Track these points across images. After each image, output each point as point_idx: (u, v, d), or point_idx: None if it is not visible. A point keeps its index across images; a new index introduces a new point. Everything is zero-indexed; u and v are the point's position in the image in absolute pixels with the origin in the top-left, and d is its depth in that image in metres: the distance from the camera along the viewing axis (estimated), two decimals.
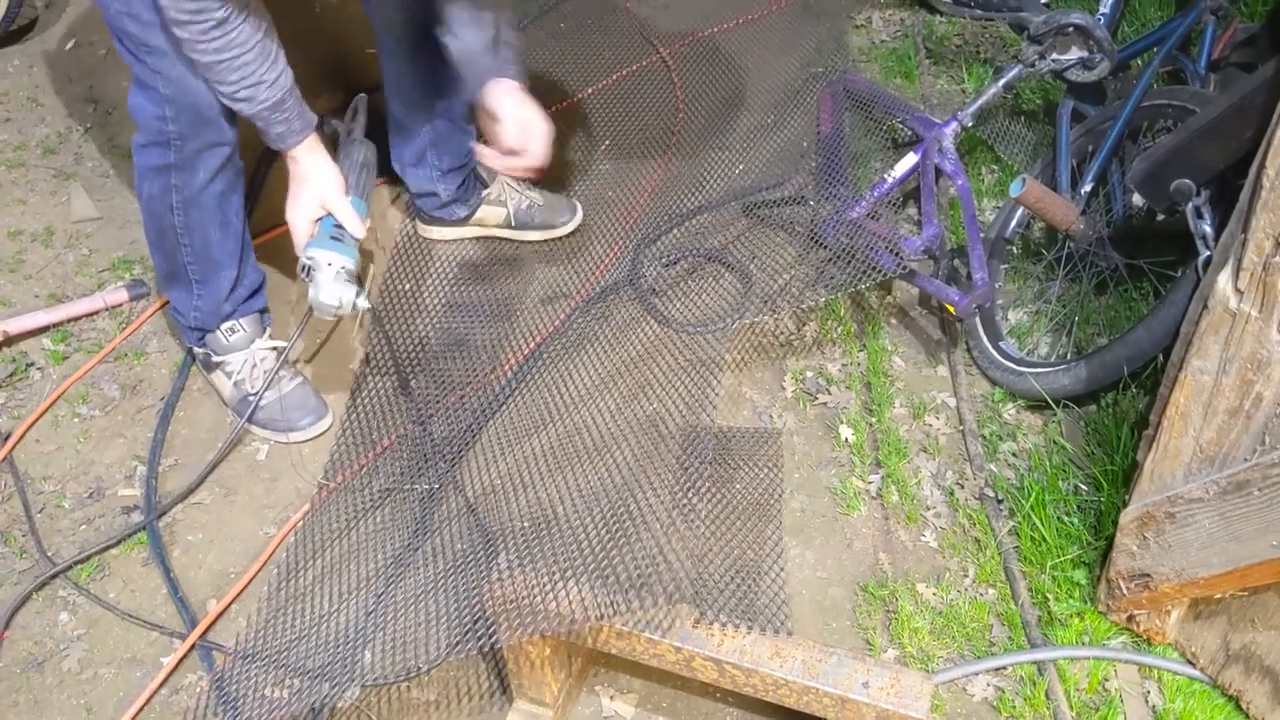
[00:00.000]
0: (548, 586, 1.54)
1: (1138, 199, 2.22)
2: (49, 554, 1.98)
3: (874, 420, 2.22)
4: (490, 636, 1.57)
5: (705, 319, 2.32)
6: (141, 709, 1.76)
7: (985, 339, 2.33)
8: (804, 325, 2.43)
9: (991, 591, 1.93)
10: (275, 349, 2.21)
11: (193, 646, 1.84)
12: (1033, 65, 2.41)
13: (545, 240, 2.58)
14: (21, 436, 2.17)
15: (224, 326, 2.15)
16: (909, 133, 2.68)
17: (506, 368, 2.25)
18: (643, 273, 2.44)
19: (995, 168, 2.83)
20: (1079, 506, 2.00)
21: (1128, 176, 2.20)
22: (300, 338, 2.30)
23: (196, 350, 2.22)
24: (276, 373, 2.17)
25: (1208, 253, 1.94)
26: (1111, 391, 2.13)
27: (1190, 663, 1.80)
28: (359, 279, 1.93)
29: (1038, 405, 2.23)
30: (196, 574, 1.97)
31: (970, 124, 2.43)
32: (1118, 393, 2.12)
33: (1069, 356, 2.28)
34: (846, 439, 2.19)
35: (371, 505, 1.99)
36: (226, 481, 2.12)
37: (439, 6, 1.96)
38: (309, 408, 2.18)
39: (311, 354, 2.35)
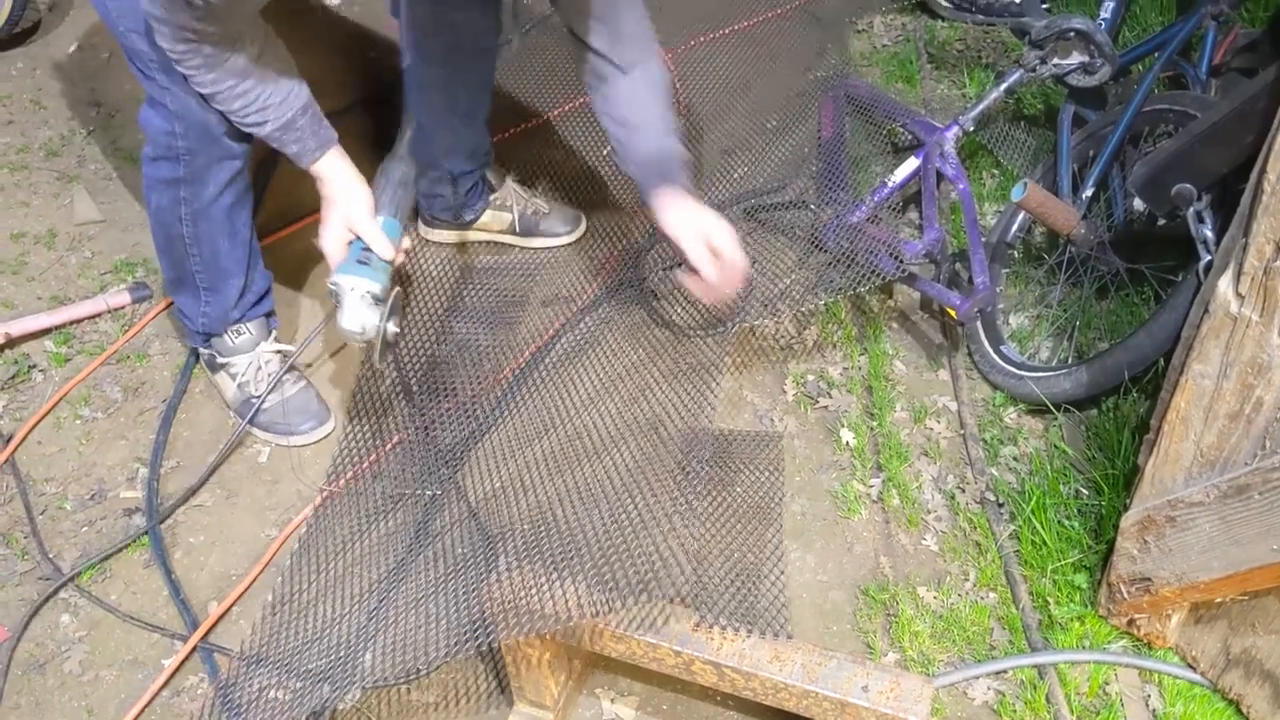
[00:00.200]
0: (545, 586, 1.54)
1: (1139, 204, 2.22)
2: (51, 556, 1.98)
3: (875, 424, 2.23)
4: (489, 637, 1.57)
5: (706, 322, 2.32)
6: (143, 711, 1.76)
7: (986, 343, 2.33)
8: (805, 329, 2.43)
9: (992, 595, 1.93)
10: (280, 352, 2.21)
11: (194, 648, 1.84)
12: (1034, 70, 2.41)
13: (548, 248, 2.59)
14: (23, 438, 2.17)
15: (230, 329, 2.16)
16: (910, 137, 2.68)
17: (509, 372, 2.25)
18: (644, 276, 2.44)
19: (996, 172, 2.83)
20: (1080, 510, 2.00)
21: (1129, 181, 2.20)
22: (305, 343, 2.30)
23: (202, 351, 2.22)
24: (280, 377, 2.17)
25: (1208, 257, 1.94)
26: (1112, 396, 2.13)
27: (1191, 667, 1.80)
28: (390, 303, 1.83)
29: (1039, 409, 2.23)
30: (198, 576, 1.97)
31: (971, 128, 2.44)
32: (1119, 397, 2.12)
33: (1070, 361, 2.28)
34: (847, 442, 2.19)
35: (374, 510, 1.99)
36: (228, 484, 2.12)
37: (609, 103, 1.96)
38: (311, 412, 2.18)
39: (316, 358, 2.35)
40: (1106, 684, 1.79)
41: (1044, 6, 3.27)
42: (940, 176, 2.41)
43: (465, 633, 1.62)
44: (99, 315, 2.43)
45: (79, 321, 2.41)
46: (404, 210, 1.92)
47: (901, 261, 2.24)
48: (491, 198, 2.54)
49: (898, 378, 2.35)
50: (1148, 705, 1.78)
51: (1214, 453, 1.56)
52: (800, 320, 2.43)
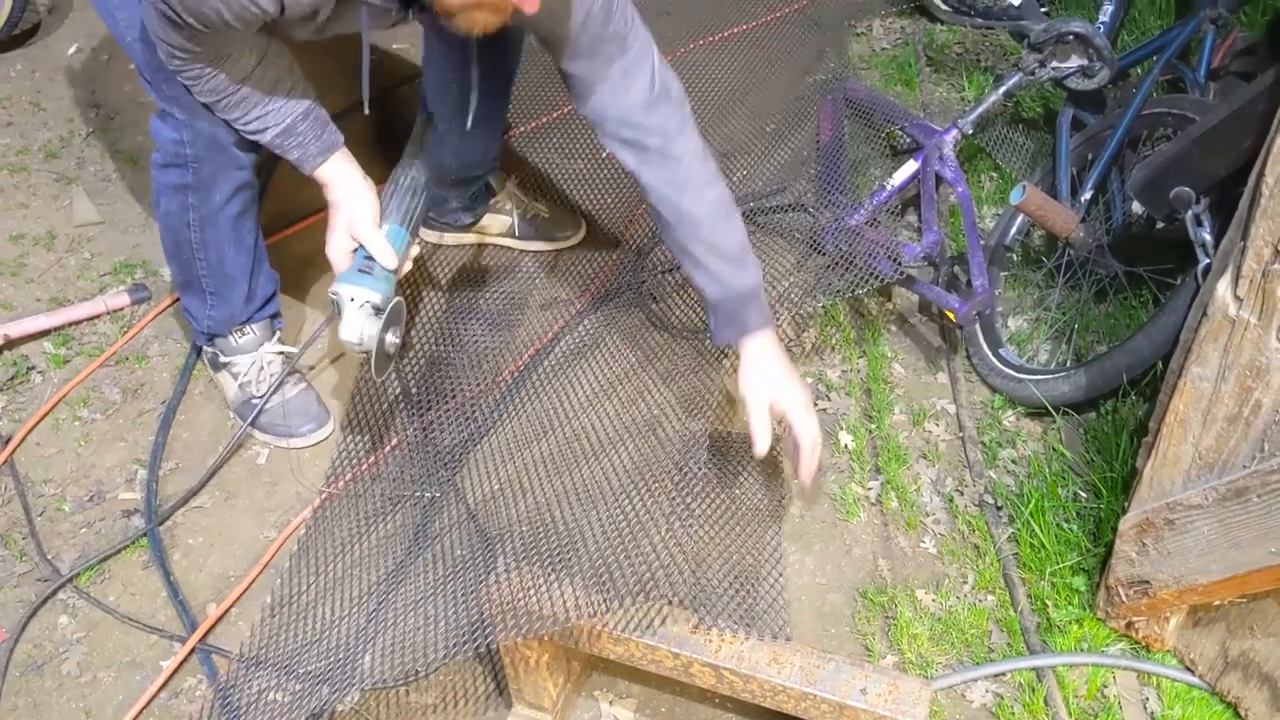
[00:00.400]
0: (544, 587, 1.54)
1: (1137, 207, 2.22)
2: (49, 558, 1.98)
3: (874, 426, 2.23)
4: (488, 638, 1.57)
5: (705, 325, 2.32)
6: (141, 712, 1.76)
7: (985, 346, 2.33)
8: (803, 331, 2.43)
9: (990, 598, 1.93)
10: (283, 353, 2.21)
11: (192, 650, 1.84)
12: (1033, 73, 2.42)
13: (547, 251, 2.59)
14: (22, 440, 2.17)
15: (234, 330, 2.16)
16: (909, 140, 2.69)
17: (508, 374, 2.25)
18: (643, 279, 2.44)
19: (995, 175, 2.84)
20: (1078, 513, 2.00)
21: (1127, 184, 2.20)
22: (305, 345, 2.30)
23: (205, 349, 2.23)
24: (281, 379, 2.18)
25: (1207, 260, 1.95)
26: (1111, 399, 2.14)
27: (1189, 669, 1.80)
28: (390, 314, 1.77)
29: (1037, 412, 2.23)
30: (196, 577, 1.97)
31: (970, 131, 2.44)
32: (1117, 400, 2.12)
33: (1069, 363, 2.28)
34: (846, 445, 2.19)
35: (373, 512, 1.99)
36: (227, 485, 2.12)
37: (684, 251, 1.82)
38: (311, 414, 2.19)
39: (317, 360, 2.35)
40: (1105, 686, 1.79)
41: (1043, 10, 3.27)
42: (939, 179, 2.41)
43: (464, 634, 1.62)
44: (98, 317, 2.43)
45: (78, 323, 2.41)
46: (413, 218, 1.84)
47: (900, 264, 2.24)
48: (491, 201, 2.54)
49: (896, 380, 2.35)
50: (1146, 708, 1.78)
51: (1212, 455, 1.56)
52: (799, 323, 2.43)
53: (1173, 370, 1.63)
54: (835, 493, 2.10)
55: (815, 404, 2.27)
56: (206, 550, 2.02)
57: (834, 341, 2.41)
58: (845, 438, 2.20)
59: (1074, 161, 2.47)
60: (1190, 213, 2.01)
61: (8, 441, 2.16)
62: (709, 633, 1.50)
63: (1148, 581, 1.72)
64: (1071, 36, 2.35)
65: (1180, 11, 3.12)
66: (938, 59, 3.31)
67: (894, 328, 2.47)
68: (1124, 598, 1.78)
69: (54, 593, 1.92)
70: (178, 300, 2.29)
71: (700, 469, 1.91)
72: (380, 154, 2.60)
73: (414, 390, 2.19)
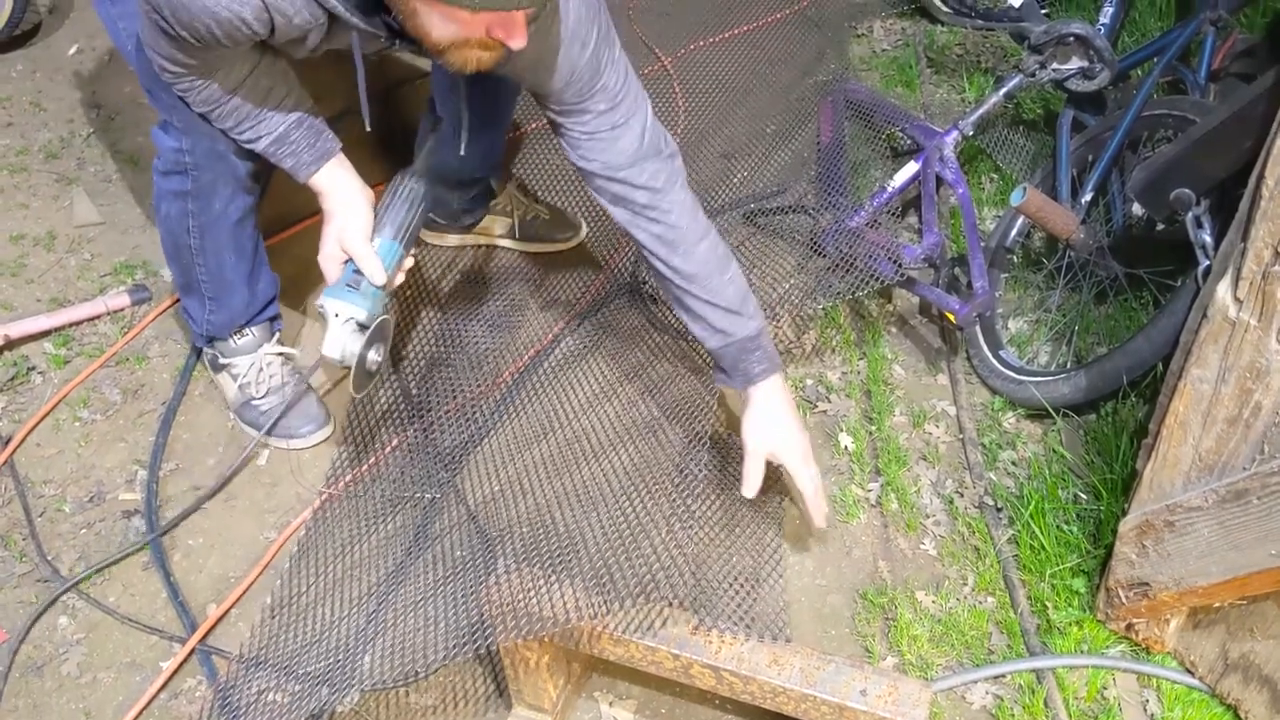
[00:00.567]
0: (544, 589, 1.54)
1: (1137, 208, 2.22)
2: (49, 558, 1.98)
3: (874, 428, 2.23)
4: (488, 640, 1.57)
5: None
6: (141, 713, 1.76)
7: (985, 347, 2.33)
8: (804, 333, 2.43)
9: (990, 600, 1.93)
10: (282, 354, 2.22)
11: (192, 651, 1.84)
12: (1033, 75, 2.42)
13: (547, 252, 2.59)
14: (22, 440, 2.17)
15: (234, 333, 2.16)
16: (909, 141, 2.69)
17: (508, 375, 2.25)
18: (643, 280, 2.44)
19: (995, 176, 2.84)
20: (1078, 515, 2.00)
21: (1128, 186, 2.20)
22: (305, 346, 2.31)
23: (204, 350, 2.23)
24: (281, 380, 2.18)
25: (1207, 262, 1.95)
26: (1111, 400, 2.14)
27: (1189, 671, 1.80)
28: (373, 331, 1.73)
29: (1037, 414, 2.23)
30: (196, 578, 1.97)
31: (971, 133, 2.44)
32: (1117, 401, 2.12)
33: (1069, 365, 2.28)
34: (846, 447, 2.19)
35: (373, 513, 1.99)
36: (227, 486, 2.12)
37: (680, 304, 1.84)
38: (311, 415, 2.19)
39: (317, 361, 2.35)
40: (1105, 688, 1.79)
41: (1043, 12, 3.27)
42: (939, 181, 2.41)
43: (464, 635, 1.62)
44: (98, 317, 2.43)
45: (78, 324, 2.41)
46: (408, 231, 1.79)
47: (900, 266, 2.24)
48: (492, 202, 2.54)
49: (896, 382, 2.35)
50: (1146, 710, 1.78)
51: (1212, 457, 1.56)
52: (799, 325, 2.43)
53: (1173, 372, 1.63)
54: (835, 494, 2.10)
55: (815, 406, 2.27)
56: (206, 551, 2.02)
57: (834, 343, 2.41)
58: (845, 439, 2.20)
59: (1074, 163, 2.47)
60: (1190, 214, 2.01)
61: (8, 442, 2.16)
62: (709, 634, 1.50)
63: (1148, 583, 1.72)
64: (1072, 38, 2.35)
65: (1180, 13, 3.12)
66: (938, 60, 3.31)
67: (894, 329, 2.47)
68: (1124, 599, 1.78)
69: (58, 597, 1.92)
70: (178, 301, 2.29)
71: (700, 471, 1.91)
72: (380, 155, 2.60)
73: (414, 391, 2.19)
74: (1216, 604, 1.67)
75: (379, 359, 1.77)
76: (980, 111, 2.43)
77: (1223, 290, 1.47)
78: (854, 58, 3.32)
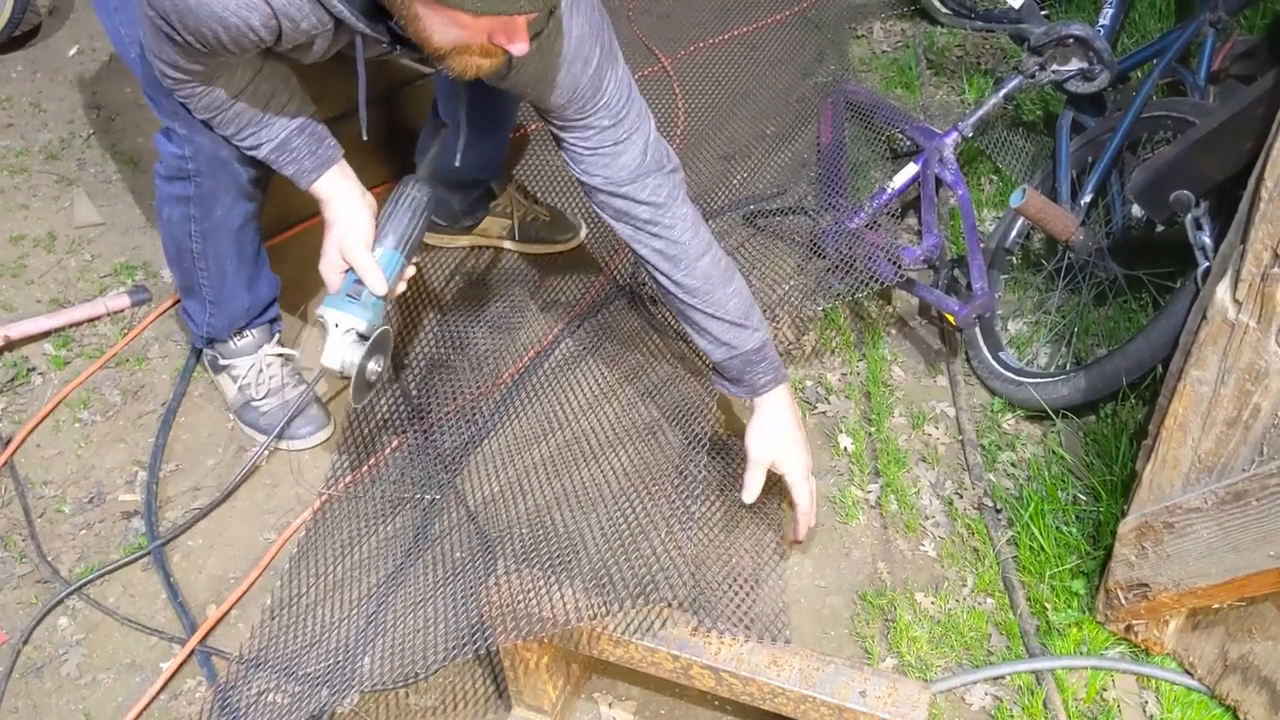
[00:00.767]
0: (544, 590, 1.54)
1: (1137, 210, 2.22)
2: (49, 559, 1.98)
3: (873, 429, 2.23)
4: (487, 641, 1.57)
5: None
6: (140, 714, 1.76)
7: (985, 349, 2.33)
8: (803, 334, 2.43)
9: (990, 601, 1.93)
10: (282, 355, 2.22)
11: (192, 652, 1.84)
12: (1033, 76, 2.42)
13: (547, 254, 2.59)
14: (22, 441, 2.17)
15: (234, 335, 2.17)
16: (909, 143, 2.69)
17: (508, 376, 2.25)
18: (643, 282, 2.44)
19: (995, 178, 2.84)
20: (1077, 516, 2.00)
21: (1127, 188, 2.20)
22: (305, 347, 2.31)
23: (204, 352, 2.23)
24: (281, 381, 2.18)
25: (1206, 264, 1.95)
26: (1110, 402, 2.14)
27: (1188, 673, 1.80)
28: (374, 342, 1.72)
29: (1037, 415, 2.23)
30: (196, 579, 1.97)
31: (971, 134, 2.44)
32: (1117, 403, 2.12)
33: (1068, 367, 2.28)
34: (846, 448, 2.19)
35: (373, 514, 1.99)
36: (226, 486, 2.12)
37: (684, 318, 1.84)
38: (310, 416, 2.19)
39: (318, 362, 2.35)
40: (1104, 689, 1.79)
41: (1043, 13, 3.27)
42: (939, 182, 2.41)
43: (464, 636, 1.62)
44: (98, 318, 2.43)
45: (78, 324, 2.41)
46: (410, 241, 1.77)
47: (900, 267, 2.24)
48: (492, 204, 2.54)
49: (896, 383, 2.35)
50: (1145, 711, 1.78)
51: (1212, 459, 1.56)
52: (799, 326, 2.43)
53: (1172, 373, 1.63)
54: (835, 495, 2.10)
55: (815, 407, 2.27)
56: (206, 552, 2.02)
57: (834, 344, 2.42)
58: (845, 440, 2.20)
59: (1074, 164, 2.47)
60: (1190, 216, 2.01)
61: (8, 443, 2.16)
62: (708, 635, 1.50)
63: (1147, 585, 1.72)
64: (1071, 39, 2.36)
65: (1180, 15, 3.12)
66: (938, 62, 3.31)
67: (894, 331, 2.48)
68: (1123, 601, 1.78)
69: (62, 599, 1.92)
70: (178, 302, 2.29)
71: (700, 472, 1.91)
72: (381, 156, 2.60)
73: (414, 392, 2.19)
74: (1216, 605, 1.67)
75: (379, 369, 1.76)
76: (980, 113, 2.44)
77: (1222, 292, 1.47)
78: (854, 59, 3.33)
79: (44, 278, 2.54)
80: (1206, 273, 1.92)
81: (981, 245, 2.36)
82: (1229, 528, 1.54)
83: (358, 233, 1.72)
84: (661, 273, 1.80)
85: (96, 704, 1.79)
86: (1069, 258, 2.37)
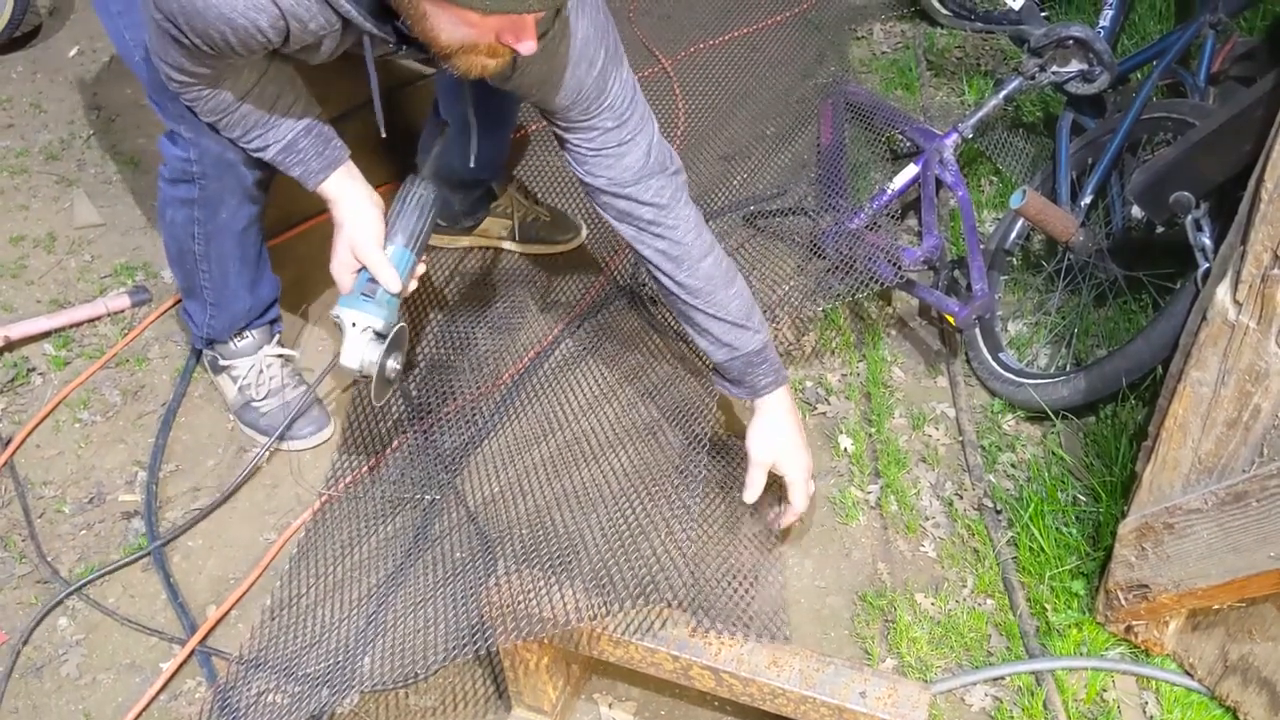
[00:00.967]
0: (543, 590, 1.54)
1: (1137, 211, 2.22)
2: (49, 559, 1.98)
3: (873, 430, 2.23)
4: (487, 641, 1.57)
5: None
6: (140, 715, 1.76)
7: (985, 350, 2.33)
8: (803, 335, 2.43)
9: (990, 602, 1.93)
10: (282, 356, 2.22)
11: (192, 652, 1.84)
12: (1033, 78, 2.42)
13: (547, 254, 2.59)
14: (22, 441, 2.17)
15: (234, 336, 2.17)
16: (909, 144, 2.69)
17: (508, 377, 2.25)
18: (643, 282, 2.44)
19: (995, 179, 2.84)
20: (1078, 517, 2.00)
21: (1127, 189, 2.20)
22: (305, 347, 2.31)
23: (205, 352, 2.23)
24: (281, 382, 2.18)
25: (1206, 265, 1.95)
26: (1110, 403, 2.14)
27: (1188, 674, 1.80)
28: (392, 339, 1.73)
29: (1037, 416, 2.23)
30: (196, 579, 1.97)
31: (971, 136, 2.44)
32: (1117, 404, 2.12)
33: (1068, 368, 2.28)
34: (846, 449, 2.19)
35: (373, 515, 1.99)
36: (227, 488, 2.12)
37: (686, 319, 1.85)
38: (311, 417, 2.19)
39: (318, 363, 2.35)
40: (1104, 690, 1.79)
41: (1043, 14, 3.28)
42: (939, 183, 2.41)
43: (464, 637, 1.62)
44: (98, 319, 2.43)
45: (78, 325, 2.41)
46: (420, 238, 1.78)
47: (900, 268, 2.24)
48: (493, 204, 2.54)
49: (896, 384, 2.35)
50: (1145, 712, 1.78)
51: (1212, 460, 1.56)
52: (799, 327, 2.43)
53: (1172, 374, 1.63)
54: (835, 496, 2.10)
55: (815, 408, 2.27)
56: (206, 553, 2.02)
57: (834, 345, 2.42)
58: (845, 441, 2.20)
59: (1074, 166, 2.47)
60: (1190, 217, 2.01)
61: (8, 443, 2.16)
62: (708, 636, 1.50)
63: (1147, 586, 1.72)
64: (1071, 41, 2.36)
65: (1180, 16, 3.12)
66: (938, 63, 3.32)
67: (894, 331, 2.48)
68: (1123, 602, 1.78)
69: (62, 599, 1.92)
70: (179, 302, 2.29)
71: (700, 472, 1.91)
72: (383, 156, 2.60)
73: (415, 393, 2.19)
74: (1216, 606, 1.68)
75: (397, 367, 1.77)
76: (980, 114, 2.44)
77: (1222, 293, 1.47)
78: (854, 60, 3.33)
79: (44, 278, 2.54)
80: (1206, 274, 1.92)
81: (981, 246, 2.36)
82: (1229, 529, 1.54)
83: (369, 232, 1.73)
84: (664, 273, 1.81)
85: (96, 704, 1.79)
86: (1069, 259, 2.38)
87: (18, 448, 2.16)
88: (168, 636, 1.87)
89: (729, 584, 1.76)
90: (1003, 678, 1.81)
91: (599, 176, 1.75)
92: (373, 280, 1.72)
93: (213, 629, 1.88)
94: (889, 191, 2.44)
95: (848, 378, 2.36)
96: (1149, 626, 1.80)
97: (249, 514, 2.08)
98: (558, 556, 1.76)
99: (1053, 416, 2.18)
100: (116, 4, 1.78)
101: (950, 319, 2.27)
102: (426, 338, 2.33)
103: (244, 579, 1.95)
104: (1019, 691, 1.79)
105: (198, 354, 2.30)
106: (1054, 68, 2.41)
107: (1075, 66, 2.40)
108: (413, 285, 1.79)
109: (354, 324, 1.71)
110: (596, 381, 2.21)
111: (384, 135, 1.66)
